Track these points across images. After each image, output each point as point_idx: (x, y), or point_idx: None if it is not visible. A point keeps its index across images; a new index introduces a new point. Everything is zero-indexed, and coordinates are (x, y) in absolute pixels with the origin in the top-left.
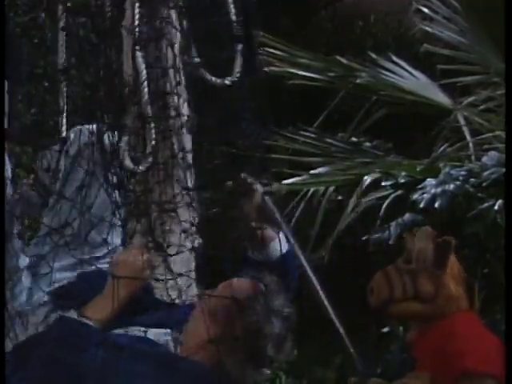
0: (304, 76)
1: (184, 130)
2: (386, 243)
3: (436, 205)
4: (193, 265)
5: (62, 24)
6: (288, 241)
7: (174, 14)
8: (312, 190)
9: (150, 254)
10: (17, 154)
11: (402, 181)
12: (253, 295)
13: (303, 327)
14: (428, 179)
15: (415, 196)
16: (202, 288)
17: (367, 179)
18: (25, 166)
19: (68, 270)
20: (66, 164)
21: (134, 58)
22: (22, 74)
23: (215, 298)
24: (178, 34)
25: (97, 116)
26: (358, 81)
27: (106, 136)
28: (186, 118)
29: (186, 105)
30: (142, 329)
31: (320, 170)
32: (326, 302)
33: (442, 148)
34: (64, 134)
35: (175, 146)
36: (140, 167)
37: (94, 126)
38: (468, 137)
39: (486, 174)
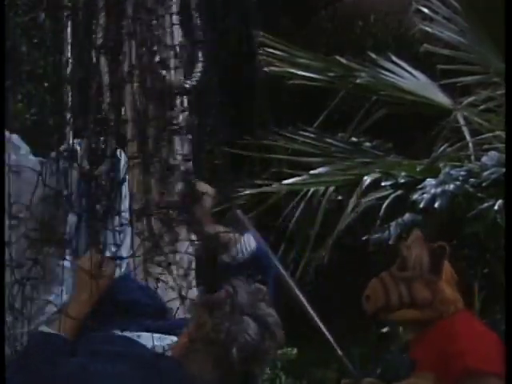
0: (304, 76)
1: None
2: (385, 243)
3: (436, 205)
4: (193, 265)
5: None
6: (257, 241)
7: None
8: (312, 190)
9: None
10: None
11: (402, 181)
12: (221, 298)
13: (303, 327)
14: (428, 179)
15: (415, 196)
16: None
17: (367, 179)
18: None
19: None
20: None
21: (97, 61)
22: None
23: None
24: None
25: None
26: (357, 81)
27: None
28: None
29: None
30: (137, 333)
31: (320, 170)
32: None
33: (441, 148)
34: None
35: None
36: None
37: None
38: (468, 137)
39: (485, 174)
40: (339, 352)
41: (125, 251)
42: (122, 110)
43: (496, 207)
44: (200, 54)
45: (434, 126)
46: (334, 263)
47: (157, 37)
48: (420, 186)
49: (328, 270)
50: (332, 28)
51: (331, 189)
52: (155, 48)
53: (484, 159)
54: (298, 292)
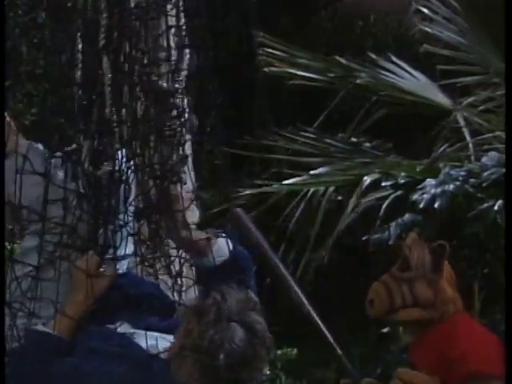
0: (304, 76)
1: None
2: (385, 243)
3: (436, 205)
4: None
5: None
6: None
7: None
8: (312, 190)
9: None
10: None
11: (402, 181)
12: (208, 305)
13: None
14: (428, 179)
15: (415, 196)
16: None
17: (367, 179)
18: None
19: None
20: None
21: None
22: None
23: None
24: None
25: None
26: (357, 81)
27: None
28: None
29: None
30: (133, 330)
31: (320, 170)
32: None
33: (441, 148)
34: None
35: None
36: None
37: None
38: (468, 137)
39: (485, 174)
40: (339, 351)
41: (128, 252)
42: (123, 111)
43: (496, 207)
44: (188, 57)
45: (434, 126)
46: (334, 263)
47: (155, 37)
48: (420, 187)
49: (328, 270)
50: (332, 28)
51: (331, 189)
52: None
53: (484, 159)
54: (298, 291)
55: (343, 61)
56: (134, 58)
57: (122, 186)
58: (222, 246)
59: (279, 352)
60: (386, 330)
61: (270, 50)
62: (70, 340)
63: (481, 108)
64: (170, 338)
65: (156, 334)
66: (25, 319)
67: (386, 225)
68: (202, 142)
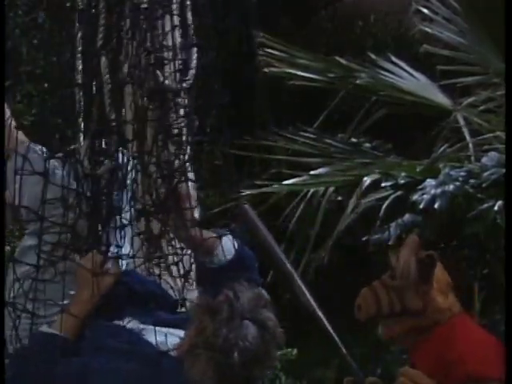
0: (304, 76)
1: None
2: (385, 244)
3: (436, 205)
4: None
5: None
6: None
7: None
8: (312, 190)
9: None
10: None
11: (402, 181)
12: (221, 302)
13: (302, 327)
14: (428, 180)
15: (415, 197)
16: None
17: (367, 180)
18: None
19: None
20: None
21: (98, 62)
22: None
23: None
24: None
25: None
26: (357, 81)
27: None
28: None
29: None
30: (142, 326)
31: (320, 170)
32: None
33: (441, 149)
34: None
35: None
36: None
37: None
38: (468, 137)
39: (485, 174)
40: (343, 350)
41: (126, 251)
42: (123, 110)
43: (496, 208)
44: (196, 56)
45: (434, 126)
46: (334, 263)
47: (156, 37)
48: (420, 187)
49: (328, 270)
50: (332, 28)
51: (331, 189)
52: (153, 49)
53: (484, 160)
54: (304, 288)
55: (343, 61)
56: (139, 57)
57: (127, 184)
58: (228, 245)
59: (279, 352)
60: None
61: (269, 51)
62: (75, 340)
63: (481, 108)
64: (179, 333)
65: (165, 329)
66: (26, 319)
67: (386, 225)
68: (202, 142)
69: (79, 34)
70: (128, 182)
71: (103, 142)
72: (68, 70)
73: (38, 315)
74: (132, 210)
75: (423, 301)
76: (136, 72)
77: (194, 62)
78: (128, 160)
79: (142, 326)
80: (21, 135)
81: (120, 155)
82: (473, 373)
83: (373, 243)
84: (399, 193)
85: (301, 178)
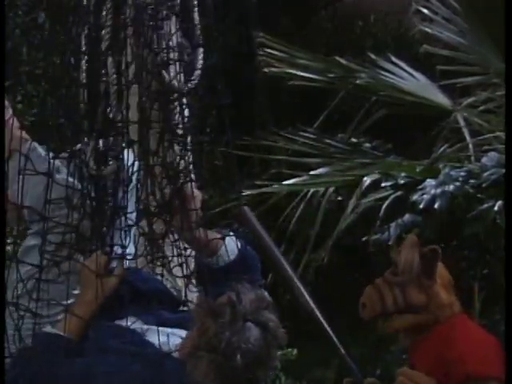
0: (303, 77)
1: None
2: (385, 244)
3: (436, 205)
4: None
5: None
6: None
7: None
8: (312, 190)
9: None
10: None
11: (402, 181)
12: (224, 304)
13: (302, 327)
14: (428, 180)
15: (415, 197)
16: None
17: (367, 180)
18: None
19: None
20: None
21: (104, 62)
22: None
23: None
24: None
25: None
26: (357, 81)
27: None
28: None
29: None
30: (145, 326)
31: (320, 170)
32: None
33: (441, 149)
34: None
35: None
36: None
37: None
38: (468, 138)
39: (485, 174)
40: (342, 351)
41: (130, 251)
42: (129, 111)
43: (496, 208)
44: (202, 56)
45: (434, 126)
46: (334, 263)
47: (162, 38)
48: (420, 187)
49: (328, 270)
50: (332, 28)
51: (331, 189)
52: (160, 49)
53: (484, 160)
54: (303, 290)
55: (343, 61)
56: (145, 58)
57: (132, 185)
58: (232, 245)
59: (279, 353)
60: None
61: (269, 51)
62: (79, 340)
63: (481, 108)
64: (182, 333)
65: (168, 330)
66: (29, 319)
67: (386, 225)
68: (203, 142)
69: (84, 34)
70: (133, 182)
71: (109, 143)
72: (71, 70)
73: (40, 315)
74: (137, 210)
75: (426, 296)
76: (142, 73)
77: (199, 63)
78: (134, 161)
79: (145, 326)
80: (24, 135)
81: (125, 156)
82: (473, 372)
83: (373, 243)
84: (399, 193)
85: (301, 178)
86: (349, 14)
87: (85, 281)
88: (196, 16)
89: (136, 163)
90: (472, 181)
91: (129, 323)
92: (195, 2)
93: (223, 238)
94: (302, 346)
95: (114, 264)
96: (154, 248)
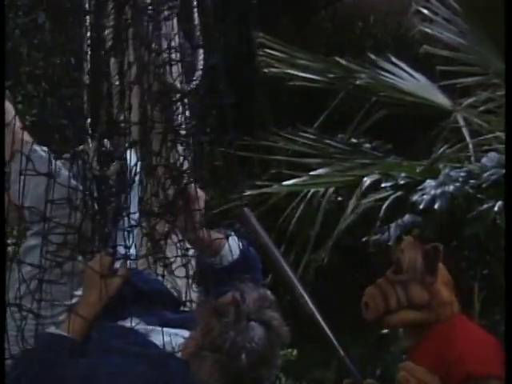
0: (303, 77)
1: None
2: (385, 244)
3: (436, 206)
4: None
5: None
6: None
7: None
8: (312, 191)
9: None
10: None
11: (402, 182)
12: (228, 304)
13: (302, 328)
14: (428, 180)
15: (415, 197)
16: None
17: (367, 180)
18: None
19: None
20: None
21: (107, 63)
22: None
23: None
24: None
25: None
26: (357, 82)
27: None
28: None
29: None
30: (149, 327)
31: (320, 171)
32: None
33: (441, 149)
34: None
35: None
36: (108, 172)
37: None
38: (468, 138)
39: (485, 175)
40: (341, 353)
41: (133, 252)
42: (131, 111)
43: (496, 208)
44: (202, 57)
45: (434, 127)
46: (334, 264)
47: (163, 39)
48: (420, 187)
49: (328, 270)
50: (332, 28)
51: (331, 190)
52: (161, 50)
53: (484, 160)
54: (302, 291)
55: (343, 61)
56: (147, 58)
57: (135, 185)
58: (234, 245)
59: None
60: (386, 330)
61: (269, 51)
62: (82, 341)
63: (481, 109)
64: (185, 333)
65: (172, 330)
66: (31, 320)
67: (386, 226)
68: (203, 142)
69: (87, 35)
70: (136, 183)
71: (112, 143)
72: (71, 71)
73: (42, 316)
74: (140, 211)
75: (429, 294)
76: (144, 73)
77: (200, 63)
78: (137, 161)
79: (149, 327)
80: (26, 136)
81: (128, 156)
82: (473, 372)
83: (373, 244)
84: (399, 193)
85: (301, 179)
86: (349, 15)
87: (89, 281)
88: (196, 16)
89: (139, 164)
90: (472, 181)
91: (133, 324)
92: (195, 3)
93: (226, 238)
94: (302, 347)
95: (117, 265)
96: (156, 248)
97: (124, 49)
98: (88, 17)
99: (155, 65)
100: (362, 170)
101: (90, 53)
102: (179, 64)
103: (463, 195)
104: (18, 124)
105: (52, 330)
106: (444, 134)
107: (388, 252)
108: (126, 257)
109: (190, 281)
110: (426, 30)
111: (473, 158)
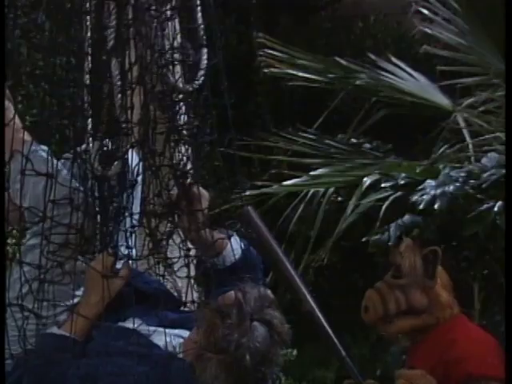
0: (303, 77)
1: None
2: (385, 244)
3: (436, 206)
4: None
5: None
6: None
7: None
8: (312, 191)
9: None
10: None
11: (402, 182)
12: (231, 304)
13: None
14: (428, 180)
15: (415, 197)
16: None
17: (367, 180)
18: None
19: None
20: None
21: (109, 63)
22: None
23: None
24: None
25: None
26: (357, 82)
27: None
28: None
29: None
30: (151, 328)
31: (320, 171)
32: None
33: (441, 149)
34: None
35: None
36: (109, 172)
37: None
38: (468, 138)
39: (485, 175)
40: (343, 353)
41: (134, 252)
42: (133, 111)
43: (496, 208)
44: (205, 56)
45: (434, 127)
46: (334, 264)
47: (166, 39)
48: (420, 188)
49: (328, 270)
50: (332, 28)
51: (331, 190)
52: (164, 50)
53: (484, 161)
54: (305, 291)
55: (343, 62)
56: (150, 58)
57: (137, 186)
58: (236, 245)
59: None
60: None
61: (269, 51)
62: (84, 341)
63: (481, 109)
64: (186, 334)
65: (175, 331)
66: (32, 320)
67: (386, 226)
68: (204, 142)
69: (87, 35)
70: (138, 183)
71: (113, 143)
72: (71, 71)
73: (42, 316)
74: (141, 211)
75: (428, 297)
76: (146, 73)
77: (203, 63)
78: (139, 161)
79: (151, 328)
80: (26, 136)
81: (130, 156)
82: (473, 373)
83: (373, 244)
84: (399, 193)
85: (301, 179)
86: (349, 15)
87: (90, 282)
88: (199, 16)
89: (141, 164)
90: (472, 181)
91: (135, 325)
92: (198, 2)
93: (228, 238)
94: (302, 347)
95: (119, 265)
96: (158, 249)
97: (125, 49)
98: (88, 17)
99: (158, 65)
100: (362, 170)
101: (90, 53)
102: (183, 64)
103: (463, 195)
104: (18, 124)
105: (54, 329)
106: (444, 134)
107: (388, 252)
108: (128, 257)
109: (192, 281)
110: (426, 30)
111: (473, 159)
